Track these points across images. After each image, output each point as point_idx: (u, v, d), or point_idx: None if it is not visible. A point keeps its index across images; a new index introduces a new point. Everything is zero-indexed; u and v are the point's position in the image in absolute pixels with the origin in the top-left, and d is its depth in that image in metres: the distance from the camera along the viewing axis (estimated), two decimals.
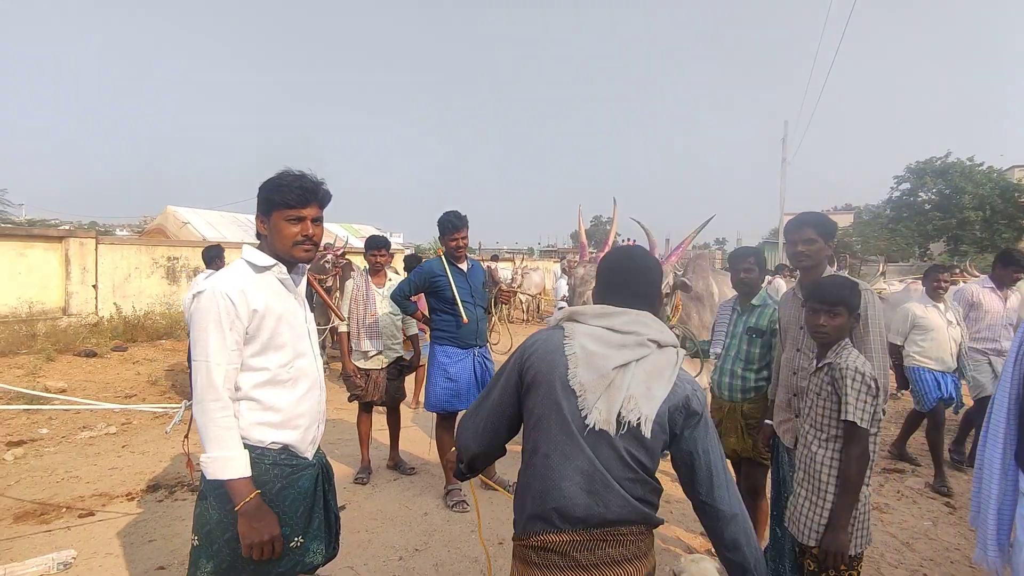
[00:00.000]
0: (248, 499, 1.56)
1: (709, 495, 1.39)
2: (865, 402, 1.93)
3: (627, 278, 1.46)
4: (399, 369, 4.29)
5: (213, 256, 5.58)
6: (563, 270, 8.44)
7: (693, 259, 4.24)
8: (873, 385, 1.95)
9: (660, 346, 1.38)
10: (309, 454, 1.80)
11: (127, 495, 3.81)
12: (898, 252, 26.91)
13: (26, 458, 4.41)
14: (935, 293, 4.50)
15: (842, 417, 1.94)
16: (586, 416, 1.31)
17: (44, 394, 4.46)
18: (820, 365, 2.09)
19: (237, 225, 19.71)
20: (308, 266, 1.94)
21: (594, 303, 1.48)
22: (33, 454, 4.50)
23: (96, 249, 9.06)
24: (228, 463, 1.55)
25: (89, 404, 4.19)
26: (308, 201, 1.73)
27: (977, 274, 12.20)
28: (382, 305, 4.11)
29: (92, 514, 3.52)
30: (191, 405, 2.57)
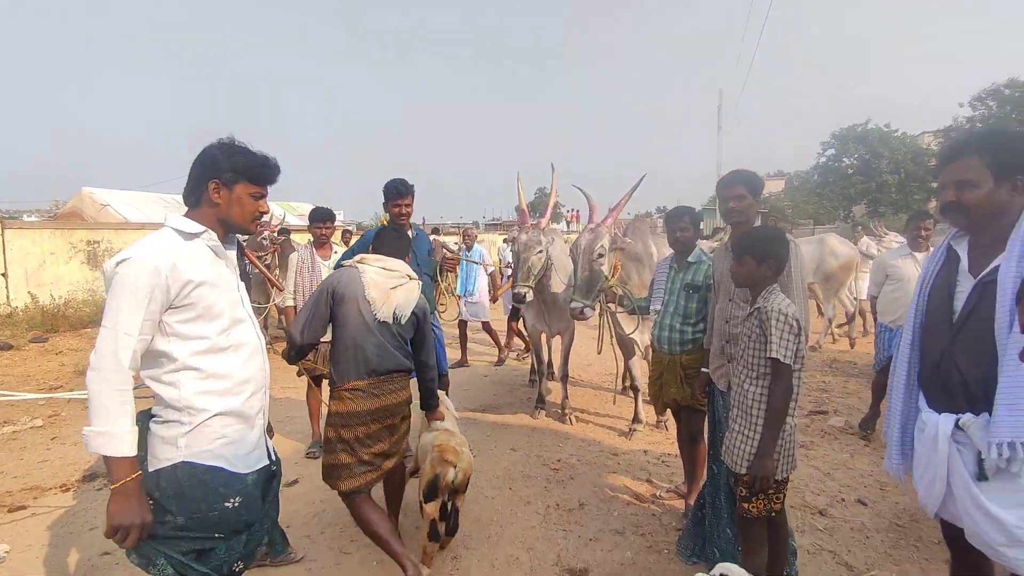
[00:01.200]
0: (129, 479, 1.49)
1: (424, 355, 2.68)
2: (788, 340, 2.08)
3: (395, 245, 2.72)
4: None
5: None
6: (506, 241, 8.50)
7: (632, 222, 4.37)
8: (795, 325, 2.11)
9: (411, 279, 2.61)
10: (258, 424, 1.78)
11: (61, 487, 3.63)
12: (825, 215, 28.48)
13: None
14: (916, 242, 4.34)
15: (768, 354, 2.09)
16: (376, 314, 2.44)
17: None
18: (751, 311, 2.24)
19: (162, 205, 18.63)
20: (242, 236, 1.90)
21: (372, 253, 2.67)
22: None
23: (2, 235, 8.36)
24: (115, 439, 1.48)
25: (24, 396, 3.92)
26: (273, 180, 1.79)
27: (885, 232, 13.12)
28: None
29: (24, 508, 3.35)
30: (139, 386, 2.48)
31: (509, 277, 7.59)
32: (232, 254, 1.84)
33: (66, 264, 9.25)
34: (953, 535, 1.88)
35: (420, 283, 2.67)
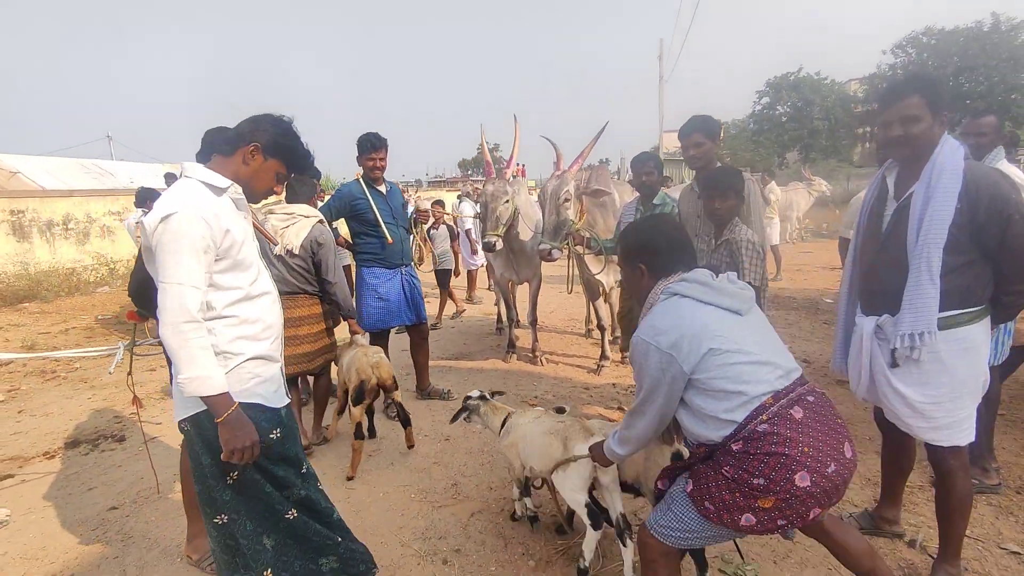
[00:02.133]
0: (230, 411, 1.64)
1: (325, 275, 3.33)
2: (757, 265, 2.38)
3: (296, 191, 3.42)
4: None
5: (146, 198, 5.92)
6: (462, 196, 8.54)
7: (595, 169, 4.56)
8: (761, 252, 2.40)
9: (305, 217, 3.33)
10: (278, 365, 1.92)
11: (45, 454, 3.62)
12: (760, 162, 29.65)
13: None
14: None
15: (740, 279, 2.37)
16: (274, 249, 3.18)
17: None
18: (719, 243, 2.50)
19: (84, 172, 17.43)
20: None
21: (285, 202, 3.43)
22: None
23: None
24: (207, 381, 1.60)
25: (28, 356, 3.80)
26: (302, 173, 2.01)
27: (812, 177, 13.92)
28: None
29: (11, 476, 3.34)
30: (129, 346, 2.53)
31: (467, 231, 7.72)
32: (244, 204, 1.93)
33: None
34: (883, 420, 2.27)
35: (315, 220, 3.35)
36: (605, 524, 2.19)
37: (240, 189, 1.80)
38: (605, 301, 4.89)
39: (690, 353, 1.55)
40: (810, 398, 1.56)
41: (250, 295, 1.77)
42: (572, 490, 2.17)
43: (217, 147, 1.82)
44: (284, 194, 3.48)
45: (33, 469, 3.44)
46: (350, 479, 3.13)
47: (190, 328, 1.58)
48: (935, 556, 2.16)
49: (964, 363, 1.91)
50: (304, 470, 1.93)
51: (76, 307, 8.21)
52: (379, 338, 3.95)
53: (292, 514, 1.85)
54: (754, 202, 2.67)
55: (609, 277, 4.52)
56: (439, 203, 7.34)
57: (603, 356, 4.86)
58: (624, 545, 2.13)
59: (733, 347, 1.55)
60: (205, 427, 1.71)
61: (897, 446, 2.33)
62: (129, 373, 2.51)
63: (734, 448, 1.52)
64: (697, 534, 1.61)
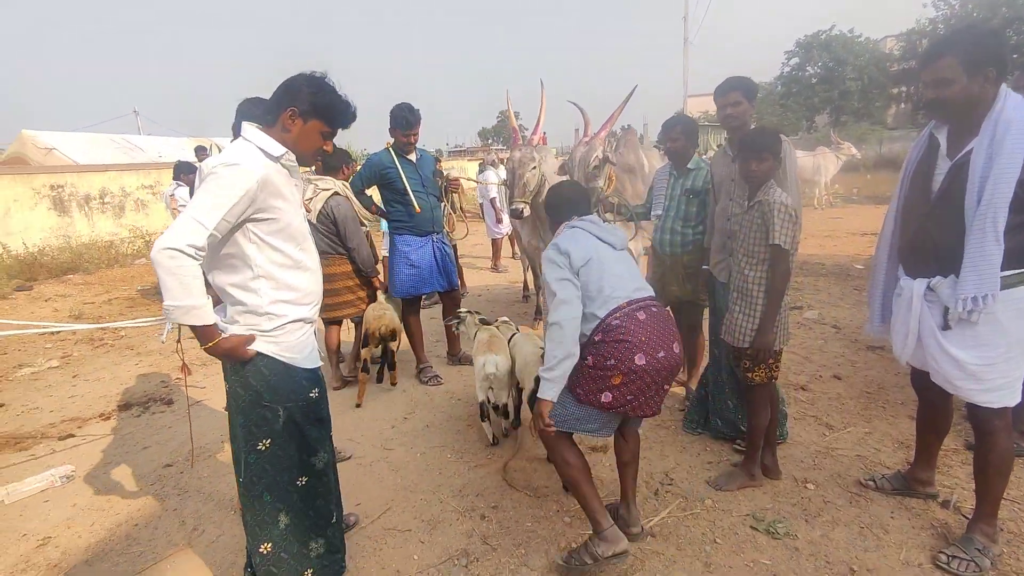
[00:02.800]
0: (217, 339, 1.70)
1: (346, 240, 3.70)
2: (788, 228, 2.35)
3: (327, 162, 3.72)
4: None
5: (181, 171, 6.57)
6: (488, 164, 8.48)
7: (623, 135, 4.52)
8: (794, 215, 2.37)
9: (326, 190, 3.64)
10: (314, 326, 2.00)
11: (101, 416, 3.83)
12: (789, 126, 28.75)
13: None
14: None
15: (770, 241, 2.36)
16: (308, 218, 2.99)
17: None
18: (752, 204, 2.48)
19: (115, 147, 17.71)
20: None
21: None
22: None
23: None
24: (195, 310, 1.62)
25: (78, 327, 4.01)
26: (347, 125, 1.91)
27: (841, 142, 13.47)
28: None
29: (71, 436, 3.55)
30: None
31: (491, 200, 7.72)
32: (296, 174, 1.98)
33: (32, 210, 8.94)
34: (921, 384, 2.27)
35: (330, 192, 3.64)
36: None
37: (294, 157, 1.84)
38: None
39: (577, 259, 2.06)
40: (653, 308, 2.09)
41: (296, 262, 1.83)
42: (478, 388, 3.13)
43: (257, 119, 1.83)
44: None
45: (91, 430, 3.64)
46: (358, 406, 3.72)
47: (184, 255, 1.57)
48: (969, 517, 2.18)
49: (1020, 324, 1.88)
50: (331, 433, 2.03)
51: (116, 278, 8.50)
52: (411, 304, 4.04)
53: (302, 480, 1.91)
54: (790, 164, 2.62)
55: (638, 244, 4.50)
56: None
57: None
58: (515, 428, 3.21)
59: (605, 264, 2.08)
60: (247, 381, 1.80)
61: (935, 409, 2.33)
62: (178, 341, 2.62)
63: (595, 339, 2.02)
64: (576, 416, 2.10)
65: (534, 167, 4.36)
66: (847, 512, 2.39)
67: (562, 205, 2.34)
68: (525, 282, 6.47)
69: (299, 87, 1.77)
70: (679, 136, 3.25)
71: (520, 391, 3.13)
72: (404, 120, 3.70)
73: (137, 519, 2.66)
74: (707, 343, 3.24)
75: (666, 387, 2.11)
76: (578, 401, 2.07)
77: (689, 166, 3.29)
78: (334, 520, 2.03)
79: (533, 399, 2.30)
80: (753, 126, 2.82)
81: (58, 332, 5.83)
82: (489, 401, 3.13)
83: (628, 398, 2.02)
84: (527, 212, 4.38)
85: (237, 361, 1.77)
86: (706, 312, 3.26)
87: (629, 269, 2.17)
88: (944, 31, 26.11)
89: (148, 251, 10.44)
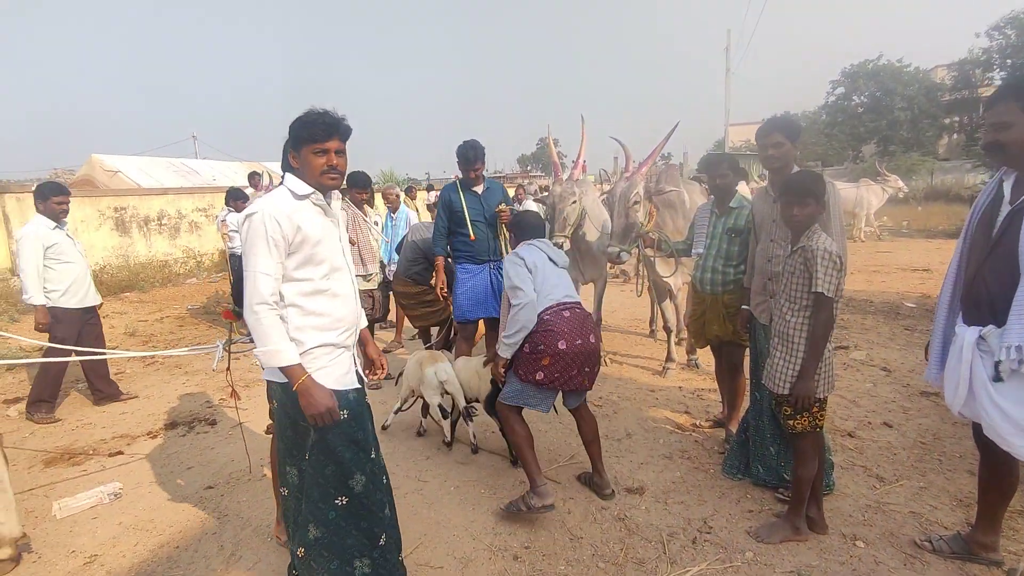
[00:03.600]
0: (301, 379, 1.83)
1: None
2: (832, 276, 2.29)
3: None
4: (386, 285, 5.19)
5: (233, 197, 7.02)
6: (530, 194, 8.58)
7: (665, 170, 4.51)
8: (839, 262, 2.31)
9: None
10: (350, 354, 2.06)
11: (148, 434, 3.97)
12: (834, 156, 28.11)
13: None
14: None
15: (813, 289, 2.30)
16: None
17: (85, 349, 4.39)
18: (795, 249, 2.43)
19: (173, 170, 18.66)
20: (338, 192, 2.12)
21: None
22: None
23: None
24: (278, 354, 1.81)
25: (135, 354, 4.25)
26: (331, 135, 1.92)
27: (888, 175, 13.05)
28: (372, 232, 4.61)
29: (121, 453, 3.69)
30: (226, 343, 2.75)
31: None
32: (336, 208, 2.08)
33: (96, 231, 9.47)
34: (983, 437, 2.14)
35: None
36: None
37: (320, 195, 1.96)
38: (672, 302, 4.83)
39: (529, 264, 2.76)
40: (577, 309, 2.77)
41: (319, 289, 1.93)
42: (429, 396, 3.51)
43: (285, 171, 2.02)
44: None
45: (139, 448, 3.78)
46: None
47: (262, 309, 1.81)
48: None
49: None
50: (373, 456, 2.05)
51: (169, 297, 8.88)
52: (466, 328, 4.18)
53: (342, 500, 1.96)
54: (834, 208, 2.56)
55: (678, 279, 4.46)
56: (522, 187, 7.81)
57: (668, 358, 4.80)
58: (467, 424, 3.51)
59: (546, 273, 2.80)
60: (286, 402, 1.92)
61: (998, 466, 2.19)
62: (227, 368, 2.73)
63: (532, 329, 2.66)
64: (519, 392, 2.75)
65: (574, 201, 4.39)
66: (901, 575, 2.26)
67: (525, 229, 3.02)
68: None
69: (290, 133, 1.95)
70: (727, 172, 3.23)
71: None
72: (463, 157, 3.99)
73: (178, 541, 2.72)
74: (748, 385, 3.15)
75: (587, 369, 2.74)
76: (520, 380, 2.73)
77: (731, 204, 3.26)
78: (382, 543, 2.05)
79: (492, 402, 3.16)
80: (796, 167, 2.78)
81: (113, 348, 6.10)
82: (445, 408, 3.55)
83: (556, 375, 2.66)
84: (567, 246, 4.39)
85: (317, 406, 1.84)
86: (747, 353, 3.18)
87: (563, 280, 2.87)
88: (998, 61, 25.31)
89: (199, 271, 10.90)
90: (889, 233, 13.74)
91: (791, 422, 2.44)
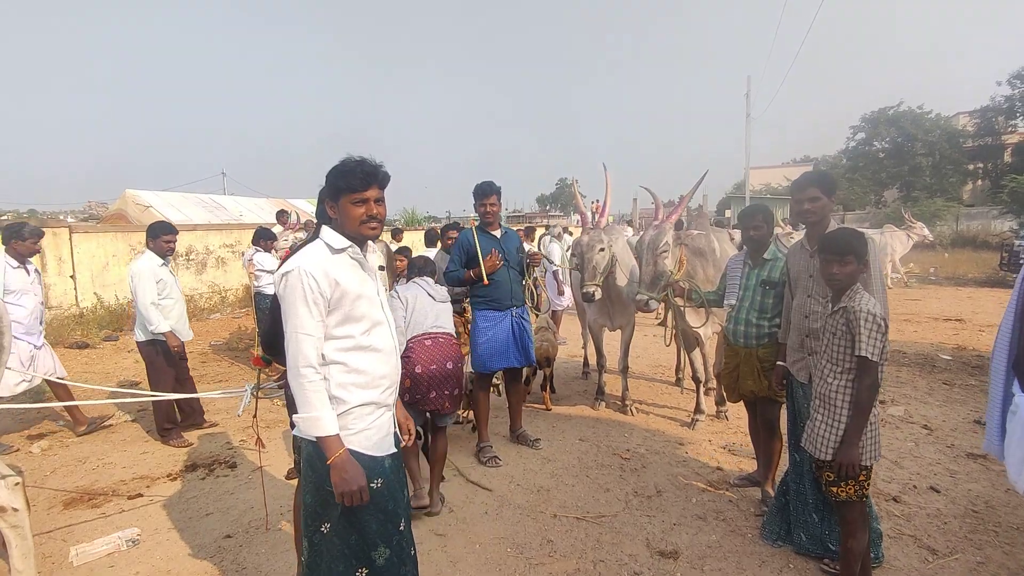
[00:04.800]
0: (338, 453, 1.74)
1: None
2: (876, 339, 2.20)
3: None
4: None
5: (261, 236, 7.05)
6: (553, 236, 8.57)
7: (696, 217, 4.49)
8: (883, 324, 2.22)
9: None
10: (390, 414, 1.99)
11: (168, 476, 3.92)
12: (855, 200, 27.95)
13: (52, 450, 4.45)
14: None
15: (856, 353, 2.21)
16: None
17: (105, 387, 4.46)
18: (836, 308, 2.35)
19: (202, 206, 19.18)
20: (376, 243, 2.10)
21: None
22: (58, 446, 4.54)
23: (71, 239, 8.80)
24: (318, 422, 1.73)
25: (156, 396, 4.23)
26: (369, 184, 1.90)
27: (913, 221, 12.89)
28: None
29: (140, 495, 3.64)
30: (254, 388, 2.72)
31: (554, 272, 7.75)
32: (373, 261, 2.05)
33: (126, 266, 9.66)
34: None
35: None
36: None
37: (357, 249, 1.92)
38: (701, 352, 4.72)
39: (408, 300, 3.28)
40: (440, 338, 3.24)
41: (360, 345, 1.87)
42: None
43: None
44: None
45: (158, 491, 3.72)
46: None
47: (306, 372, 1.75)
48: None
49: None
50: (402, 528, 1.95)
51: (193, 332, 8.94)
52: (483, 379, 4.04)
53: (362, 572, 1.86)
54: (875, 265, 2.49)
55: (707, 329, 4.37)
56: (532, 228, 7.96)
57: (697, 409, 4.66)
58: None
59: (419, 307, 3.28)
60: (314, 462, 1.81)
61: None
62: (254, 416, 2.69)
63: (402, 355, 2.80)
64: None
65: (602, 249, 4.38)
66: None
67: (413, 269, 3.54)
68: (585, 357, 6.35)
69: (326, 183, 1.91)
70: (761, 224, 3.18)
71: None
72: (480, 190, 3.94)
73: None
74: (786, 445, 3.02)
75: (445, 392, 3.18)
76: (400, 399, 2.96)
77: (765, 256, 3.20)
78: None
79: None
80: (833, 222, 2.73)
81: (137, 385, 6.14)
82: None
83: (417, 396, 3.13)
84: (598, 295, 4.36)
85: (349, 485, 1.75)
86: (783, 409, 3.07)
87: (439, 312, 3.33)
88: (1021, 109, 25.23)
89: (223, 306, 11.03)
90: (917, 280, 13.47)
91: (835, 489, 2.33)
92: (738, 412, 4.71)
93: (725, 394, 3.53)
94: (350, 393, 1.84)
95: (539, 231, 11.16)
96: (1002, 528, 2.98)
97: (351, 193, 1.87)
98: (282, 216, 9.07)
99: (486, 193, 3.90)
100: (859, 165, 28.46)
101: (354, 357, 1.86)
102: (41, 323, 4.56)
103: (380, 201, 1.94)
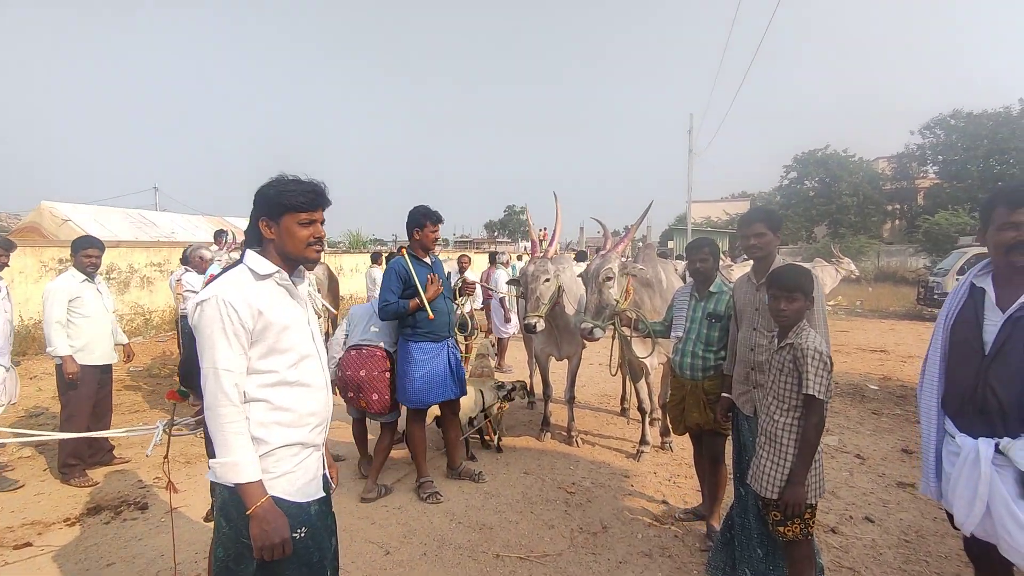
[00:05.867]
0: (259, 502, 1.56)
1: None
2: (822, 377, 2.20)
3: None
4: None
5: (191, 255, 6.23)
6: (500, 264, 8.51)
7: (641, 249, 4.52)
8: (828, 362, 2.23)
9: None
10: (319, 455, 1.81)
11: (66, 521, 3.50)
12: (788, 236, 29.60)
13: None
14: None
15: (804, 391, 2.20)
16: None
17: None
18: (782, 344, 2.35)
19: (128, 221, 18.09)
20: (308, 270, 1.93)
21: None
22: None
23: None
24: (237, 468, 1.56)
25: (39, 436, 3.73)
26: (318, 204, 1.77)
27: (841, 256, 13.72)
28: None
29: (29, 544, 3.21)
30: (167, 425, 2.45)
31: (500, 299, 7.67)
32: (303, 289, 1.89)
33: (35, 283, 8.88)
34: (979, 553, 2.02)
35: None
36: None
37: (286, 275, 1.76)
38: (646, 382, 4.71)
39: (353, 315, 4.04)
40: (364, 349, 3.77)
41: (286, 380, 1.70)
42: None
43: (250, 245, 1.80)
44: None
45: (52, 538, 3.30)
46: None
47: (225, 412, 1.58)
48: None
49: None
50: None
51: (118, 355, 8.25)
52: (418, 414, 3.82)
53: None
54: (819, 301, 2.53)
55: (654, 359, 4.37)
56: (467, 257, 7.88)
57: (643, 441, 4.63)
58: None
59: (364, 323, 3.90)
60: (229, 511, 1.62)
61: None
62: (165, 457, 2.42)
63: None
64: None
65: (547, 279, 4.31)
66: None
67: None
68: (531, 387, 6.24)
69: (260, 196, 1.75)
70: (708, 256, 3.21)
71: None
72: (426, 216, 3.67)
73: None
74: (732, 477, 3.00)
75: (360, 395, 3.73)
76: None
77: (711, 289, 3.23)
78: None
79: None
80: (780, 258, 2.78)
81: (46, 412, 5.55)
82: None
83: (349, 395, 3.81)
84: (540, 327, 4.25)
85: (270, 537, 1.56)
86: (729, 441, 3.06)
87: (377, 326, 3.81)
88: (931, 156, 27.62)
89: (147, 329, 10.30)
90: (844, 312, 14.24)
91: (781, 528, 2.30)
92: (682, 443, 4.72)
93: (671, 426, 3.49)
94: (273, 433, 1.66)
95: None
96: (932, 557, 3.04)
97: (298, 212, 1.73)
98: (220, 237, 8.61)
99: (434, 220, 3.71)
100: (791, 202, 30.26)
101: (279, 393, 1.69)
102: (10, 343, 4.19)
103: (323, 223, 1.81)
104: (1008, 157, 24.04)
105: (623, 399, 5.90)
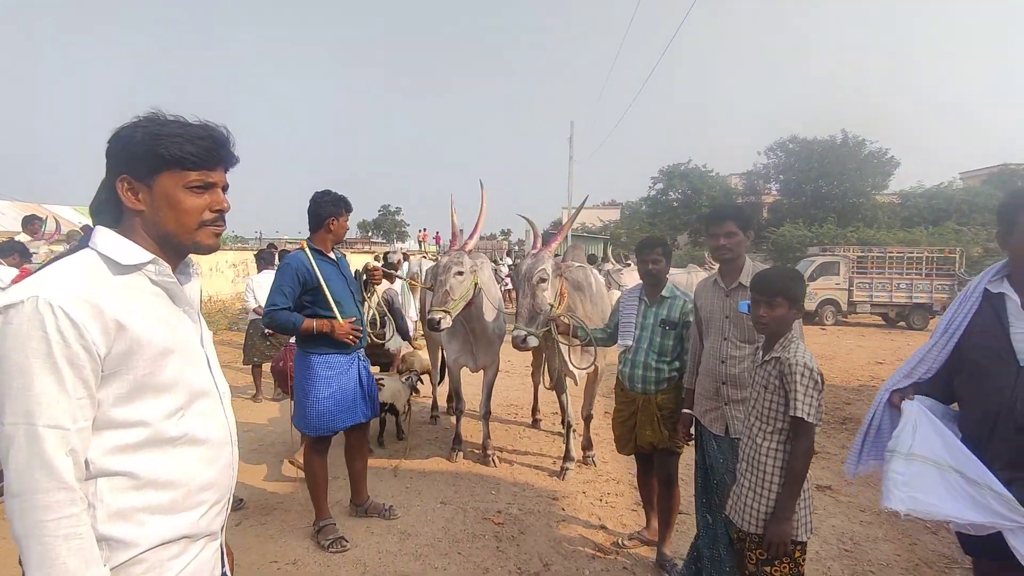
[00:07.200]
0: None
1: None
2: (813, 398, 1.93)
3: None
4: None
5: (8, 251, 4.55)
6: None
7: (569, 249, 4.18)
8: (819, 380, 1.97)
9: None
10: (214, 546, 1.17)
11: None
12: None
13: None
14: None
15: (791, 413, 1.92)
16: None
17: None
18: (768, 358, 2.07)
19: (23, 212, 14.28)
20: (197, 259, 1.26)
21: None
22: None
23: None
24: None
25: None
26: (217, 161, 1.13)
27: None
28: None
29: None
30: None
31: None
32: (193, 289, 1.22)
33: None
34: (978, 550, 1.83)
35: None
36: None
37: (167, 267, 1.10)
38: (567, 394, 4.37)
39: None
40: None
41: (164, 437, 1.06)
42: None
43: (100, 221, 1.11)
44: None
45: None
46: None
47: (45, 501, 0.92)
48: None
49: None
50: None
51: None
52: (321, 442, 3.10)
53: None
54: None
55: (591, 367, 4.03)
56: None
57: (567, 456, 4.26)
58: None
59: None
60: None
61: None
62: None
63: None
64: None
65: (460, 272, 3.76)
66: None
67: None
68: (434, 400, 5.62)
69: (122, 142, 1.07)
70: (660, 257, 2.91)
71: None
72: (341, 204, 3.04)
73: None
74: (698, 503, 2.70)
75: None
76: None
77: (664, 294, 2.94)
78: None
79: None
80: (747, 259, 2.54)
81: None
82: None
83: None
84: (445, 324, 3.67)
85: None
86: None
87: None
88: (774, 175, 31.24)
89: None
90: None
91: (768, 568, 1.99)
92: (604, 455, 4.46)
93: (617, 446, 3.14)
94: (141, 527, 1.01)
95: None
96: (875, 566, 3.01)
97: (186, 170, 1.07)
98: (32, 223, 6.91)
99: (349, 208, 3.04)
100: (658, 212, 32.58)
101: (151, 460, 1.04)
102: None
103: (226, 189, 1.16)
104: (832, 180, 27.85)
105: (535, 409, 5.53)
